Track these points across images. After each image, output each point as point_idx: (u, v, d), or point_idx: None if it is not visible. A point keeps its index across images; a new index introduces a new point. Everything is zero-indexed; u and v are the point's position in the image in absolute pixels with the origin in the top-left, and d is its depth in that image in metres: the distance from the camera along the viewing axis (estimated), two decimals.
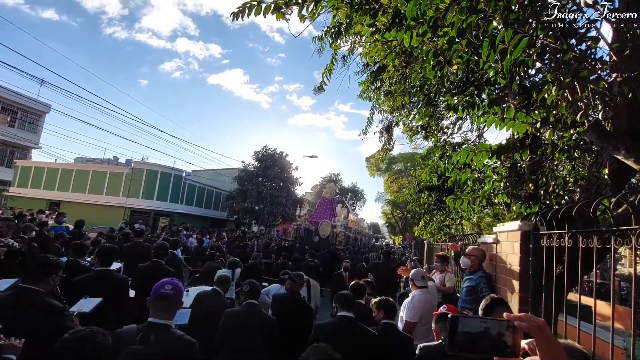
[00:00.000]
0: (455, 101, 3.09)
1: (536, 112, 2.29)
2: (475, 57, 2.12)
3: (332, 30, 3.19)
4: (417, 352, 2.20)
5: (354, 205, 42.33)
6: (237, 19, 2.25)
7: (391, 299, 3.10)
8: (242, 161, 25.28)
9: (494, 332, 0.76)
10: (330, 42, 3.31)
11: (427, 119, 4.02)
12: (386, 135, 5.74)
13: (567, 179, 3.38)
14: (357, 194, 45.75)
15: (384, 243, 39.47)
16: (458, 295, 3.90)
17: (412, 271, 3.69)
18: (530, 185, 3.21)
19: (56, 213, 11.29)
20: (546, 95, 2.09)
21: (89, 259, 4.62)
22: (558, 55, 1.83)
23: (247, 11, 2.22)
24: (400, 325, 3.44)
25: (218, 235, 16.00)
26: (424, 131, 4.20)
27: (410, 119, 4.77)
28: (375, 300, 3.11)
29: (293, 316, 3.45)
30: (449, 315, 0.80)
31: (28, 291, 2.16)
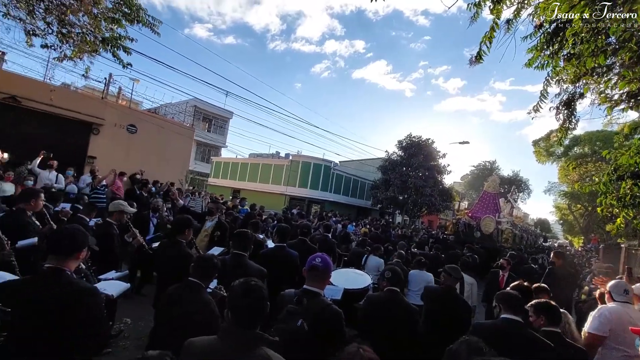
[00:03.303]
0: None
1: None
2: None
3: None
4: None
5: (516, 198, 36.53)
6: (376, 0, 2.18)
7: (553, 303, 2.55)
8: (386, 151, 25.34)
9: None
10: (491, 7, 2.87)
11: (636, 82, 2.95)
12: (566, 111, 4.60)
13: None
14: (519, 185, 39.29)
15: (556, 244, 32.47)
16: None
17: (612, 282, 2.91)
18: None
19: (239, 199, 14.12)
20: None
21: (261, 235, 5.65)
22: None
23: None
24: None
25: (360, 223, 16.75)
26: (632, 100, 3.10)
27: (608, 85, 3.62)
28: (532, 302, 2.59)
29: (445, 311, 3.25)
30: None
31: (240, 256, 3.01)
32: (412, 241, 12.07)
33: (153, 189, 9.07)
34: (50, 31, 7.05)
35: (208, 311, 2.08)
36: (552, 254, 6.36)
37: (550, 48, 3.39)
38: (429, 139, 23.98)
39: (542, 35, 3.39)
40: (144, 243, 4.40)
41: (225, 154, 32.10)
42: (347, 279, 4.28)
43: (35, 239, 3.28)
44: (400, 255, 5.38)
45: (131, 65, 7.85)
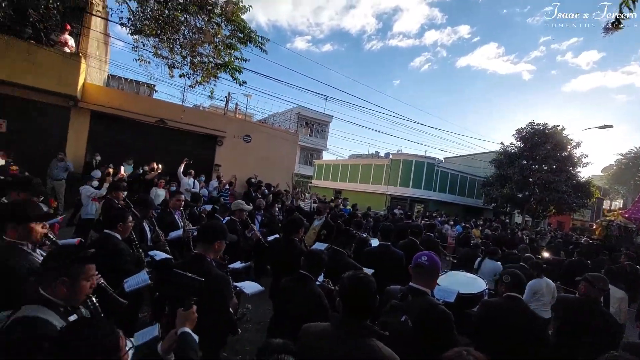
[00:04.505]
0: None
1: None
2: None
3: None
4: None
5: None
6: None
7: None
8: (501, 143, 22.42)
9: None
10: None
11: None
12: None
13: None
14: None
15: None
16: None
17: None
18: None
19: (341, 199, 14.57)
20: None
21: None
22: None
23: None
24: None
25: (470, 223, 15.32)
26: None
27: None
28: None
29: (584, 325, 2.75)
30: None
31: (339, 252, 3.21)
32: (539, 245, 10.41)
33: (266, 191, 10.11)
34: (185, 63, 8.61)
35: (317, 302, 2.24)
36: None
37: None
38: (558, 125, 20.22)
39: None
40: (260, 237, 4.96)
41: (326, 156, 33.46)
42: (458, 281, 4.02)
43: (181, 231, 4.06)
44: (526, 258, 4.81)
45: (245, 83, 9.01)
